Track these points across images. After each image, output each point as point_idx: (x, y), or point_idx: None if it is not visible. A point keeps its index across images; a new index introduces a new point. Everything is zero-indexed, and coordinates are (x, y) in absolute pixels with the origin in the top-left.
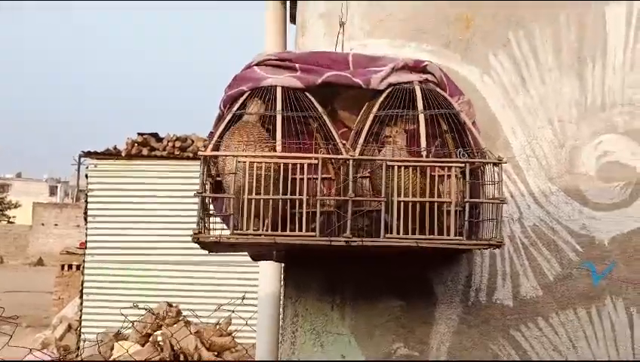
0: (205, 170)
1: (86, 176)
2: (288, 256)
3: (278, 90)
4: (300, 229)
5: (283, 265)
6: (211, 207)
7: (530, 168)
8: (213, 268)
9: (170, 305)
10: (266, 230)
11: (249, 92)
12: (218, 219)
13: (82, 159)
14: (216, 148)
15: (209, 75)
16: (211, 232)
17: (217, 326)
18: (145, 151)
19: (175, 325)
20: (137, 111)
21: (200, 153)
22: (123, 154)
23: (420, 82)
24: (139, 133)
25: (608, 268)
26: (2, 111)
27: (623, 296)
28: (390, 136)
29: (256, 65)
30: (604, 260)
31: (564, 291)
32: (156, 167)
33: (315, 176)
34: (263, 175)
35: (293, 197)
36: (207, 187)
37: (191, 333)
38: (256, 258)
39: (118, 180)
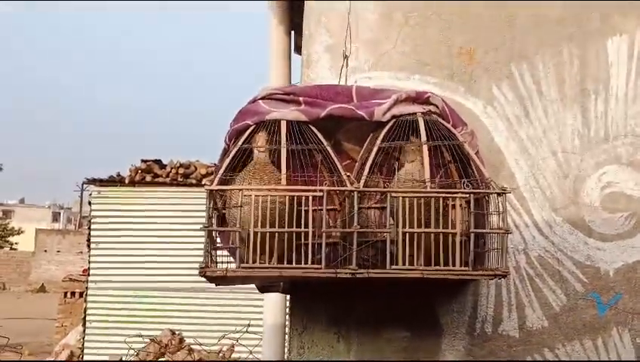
0: (211, 203)
1: (89, 203)
2: (294, 287)
3: (283, 124)
4: (306, 261)
5: (289, 296)
6: (218, 239)
7: (534, 199)
8: (217, 294)
9: (173, 332)
10: (273, 263)
11: (254, 126)
12: (224, 251)
13: (85, 186)
14: (222, 182)
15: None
16: (218, 265)
17: (220, 354)
18: (148, 178)
19: (178, 353)
20: (141, 137)
21: (206, 187)
22: (126, 181)
23: (423, 113)
24: (142, 160)
25: (614, 298)
26: (5, 136)
27: (629, 326)
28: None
29: (261, 99)
30: (609, 291)
31: (570, 322)
32: (159, 194)
33: (320, 208)
34: (268, 208)
35: (299, 229)
36: (214, 220)
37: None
38: (263, 289)
39: (122, 207)
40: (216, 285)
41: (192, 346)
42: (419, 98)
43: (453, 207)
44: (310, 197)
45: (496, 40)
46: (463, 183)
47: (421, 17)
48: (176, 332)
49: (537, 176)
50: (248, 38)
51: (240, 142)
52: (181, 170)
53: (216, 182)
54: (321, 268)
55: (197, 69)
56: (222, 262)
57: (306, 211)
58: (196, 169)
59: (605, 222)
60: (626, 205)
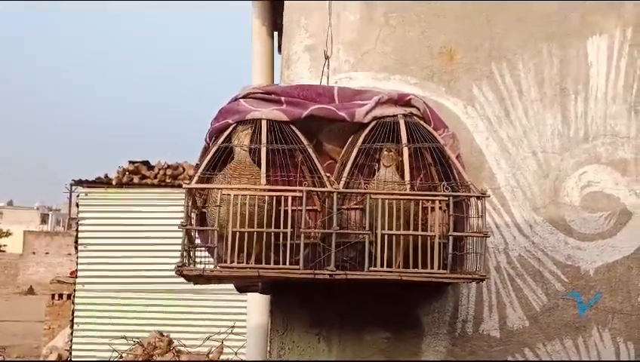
0: (190, 202)
1: (77, 205)
2: (274, 287)
3: (263, 123)
4: (285, 262)
5: (270, 296)
6: (197, 239)
7: (514, 199)
8: (205, 296)
9: (161, 334)
10: (251, 263)
11: (234, 124)
12: (203, 250)
13: (74, 187)
14: (201, 180)
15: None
16: (197, 265)
17: (209, 356)
18: (136, 180)
19: (166, 354)
20: (129, 138)
21: (184, 186)
22: (114, 182)
23: (405, 115)
24: (130, 161)
25: (594, 298)
26: None
27: (609, 326)
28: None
29: (242, 98)
30: (589, 290)
31: (551, 322)
32: (147, 195)
33: (299, 208)
34: (247, 207)
35: (278, 230)
36: (193, 219)
37: None
38: (241, 289)
39: (109, 208)
40: (194, 284)
41: (179, 348)
42: (400, 100)
43: (433, 209)
44: (290, 198)
45: (476, 40)
46: (443, 186)
47: (401, 18)
48: (165, 334)
49: (518, 176)
50: (236, 42)
51: (220, 141)
52: (169, 172)
53: (195, 180)
54: (299, 269)
55: (186, 71)
56: (200, 262)
57: (286, 211)
58: (184, 170)
59: (585, 221)
60: (606, 204)
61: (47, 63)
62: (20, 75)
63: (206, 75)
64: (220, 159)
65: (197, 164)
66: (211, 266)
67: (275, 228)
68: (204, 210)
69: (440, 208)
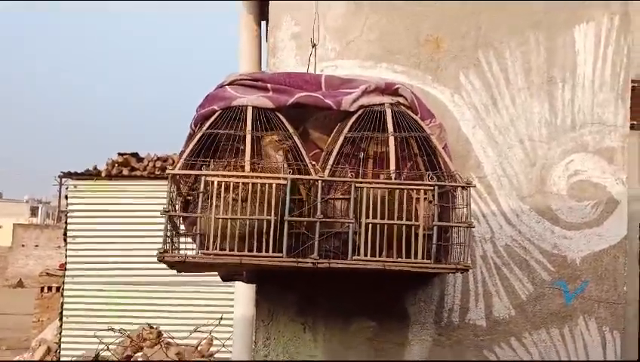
0: (175, 188)
1: (66, 197)
2: (259, 276)
3: (249, 110)
4: (267, 250)
5: (255, 286)
6: (182, 226)
7: (501, 187)
8: (195, 288)
9: (150, 326)
10: (233, 250)
11: (220, 111)
12: (190, 239)
13: (64, 180)
14: (186, 167)
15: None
16: (180, 252)
17: (198, 348)
18: (125, 172)
19: (155, 347)
20: (130, 138)
21: (167, 171)
22: (103, 174)
23: (392, 105)
24: (119, 153)
25: (580, 287)
26: None
27: (595, 315)
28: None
29: (228, 84)
30: (576, 279)
31: (537, 311)
32: (137, 187)
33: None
34: (231, 194)
35: (262, 217)
36: (177, 206)
37: (167, 357)
38: (225, 278)
39: (99, 201)
40: (178, 272)
41: (169, 341)
42: (388, 89)
43: (418, 200)
44: (274, 185)
45: (462, 28)
46: (428, 176)
47: (388, 5)
48: (154, 326)
49: (504, 164)
50: (236, 42)
51: (205, 127)
52: (158, 163)
53: (178, 166)
54: (282, 257)
55: (186, 71)
56: (184, 249)
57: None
58: (174, 162)
59: (572, 210)
60: (592, 193)
61: (47, 63)
62: (19, 75)
63: (206, 75)
64: (204, 146)
65: (182, 151)
66: (194, 253)
67: (258, 216)
68: (188, 197)
69: (425, 198)
